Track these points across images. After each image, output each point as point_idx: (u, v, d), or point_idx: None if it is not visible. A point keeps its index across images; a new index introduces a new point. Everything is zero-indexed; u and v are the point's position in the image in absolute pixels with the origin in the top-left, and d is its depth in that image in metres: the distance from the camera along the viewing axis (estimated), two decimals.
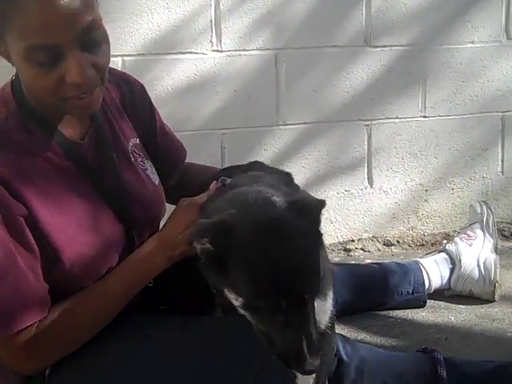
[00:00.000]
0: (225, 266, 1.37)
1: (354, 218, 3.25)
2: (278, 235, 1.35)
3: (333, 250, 3.23)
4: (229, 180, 1.78)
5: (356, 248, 3.25)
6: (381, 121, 3.19)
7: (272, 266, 1.30)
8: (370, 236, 3.28)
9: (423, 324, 2.50)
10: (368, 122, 3.17)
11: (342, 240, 3.24)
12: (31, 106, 1.66)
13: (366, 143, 3.19)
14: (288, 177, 1.97)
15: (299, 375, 1.53)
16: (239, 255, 1.34)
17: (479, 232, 2.73)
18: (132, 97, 2.01)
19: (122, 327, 1.78)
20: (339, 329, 2.41)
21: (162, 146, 2.10)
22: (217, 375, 1.69)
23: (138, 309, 1.89)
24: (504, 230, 3.34)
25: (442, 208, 3.32)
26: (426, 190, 3.29)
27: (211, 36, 2.94)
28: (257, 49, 3.00)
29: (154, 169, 1.98)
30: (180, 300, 1.97)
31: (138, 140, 1.96)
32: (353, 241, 3.26)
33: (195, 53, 2.94)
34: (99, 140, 1.81)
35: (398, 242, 3.30)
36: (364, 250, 3.26)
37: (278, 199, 1.48)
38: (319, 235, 1.45)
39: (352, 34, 3.08)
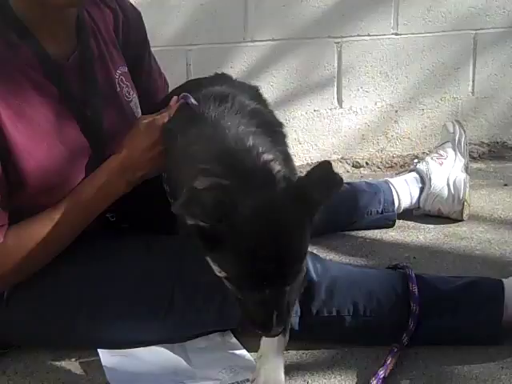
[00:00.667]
0: (215, 243, 1.34)
1: (322, 139, 3.19)
2: (268, 225, 1.32)
3: (301, 172, 3.15)
4: (192, 99, 1.69)
5: None
6: (351, 38, 3.09)
7: (264, 260, 1.30)
8: (339, 157, 3.23)
9: (392, 243, 2.49)
10: (338, 40, 3.08)
11: (310, 161, 3.19)
12: (12, 13, 1.59)
13: (335, 61, 3.10)
14: (256, 92, 1.89)
15: None
16: (235, 242, 1.32)
17: (450, 151, 2.70)
18: (126, 23, 1.91)
19: (83, 249, 1.75)
20: (309, 249, 2.38)
21: (142, 87, 2.00)
22: (179, 301, 1.71)
23: (100, 228, 1.84)
24: (472, 152, 3.31)
25: (412, 129, 3.28)
26: (396, 111, 3.24)
27: None
28: None
29: (138, 101, 1.90)
30: (142, 219, 1.92)
31: (126, 68, 1.88)
32: None
33: None
34: (85, 63, 1.72)
35: (366, 163, 3.26)
36: None
37: (276, 167, 1.42)
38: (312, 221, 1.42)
39: None
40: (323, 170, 1.40)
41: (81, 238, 1.74)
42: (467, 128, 3.26)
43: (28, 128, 1.60)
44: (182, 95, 1.74)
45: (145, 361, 1.70)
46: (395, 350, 1.72)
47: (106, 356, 1.70)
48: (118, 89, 1.83)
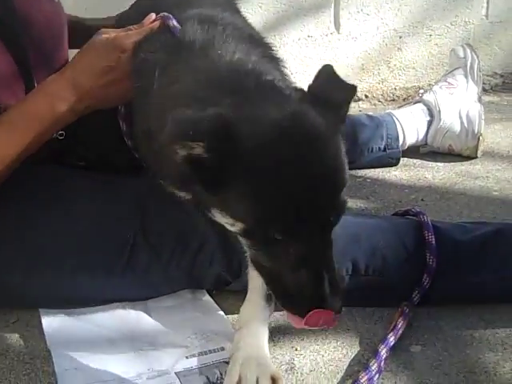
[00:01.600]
0: (221, 180, 1.01)
1: (317, 68, 2.82)
2: (298, 139, 1.01)
3: None
4: (174, 21, 1.36)
5: None
6: None
7: (292, 182, 0.98)
8: None
9: (396, 184, 2.18)
10: None
11: None
12: None
13: None
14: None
15: None
16: (246, 166, 0.99)
17: (461, 79, 2.36)
18: None
19: (25, 185, 1.49)
20: None
21: None
22: (140, 253, 1.44)
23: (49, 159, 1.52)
24: (484, 83, 2.96)
25: (417, 58, 2.94)
26: (400, 37, 2.88)
27: None
28: None
29: None
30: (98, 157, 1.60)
31: None
32: None
33: None
34: None
35: (366, 96, 2.95)
36: None
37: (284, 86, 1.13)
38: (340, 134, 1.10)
39: None
40: (329, 75, 1.14)
41: (27, 170, 1.44)
42: (479, 57, 2.94)
43: None
44: (161, 14, 1.41)
45: (95, 323, 1.42)
46: (406, 310, 1.41)
47: (47, 317, 1.44)
48: None
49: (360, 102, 2.92)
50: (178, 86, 1.19)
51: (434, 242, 1.47)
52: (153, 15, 1.44)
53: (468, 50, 2.41)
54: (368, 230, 1.53)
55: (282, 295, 1.09)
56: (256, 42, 1.36)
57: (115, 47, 1.39)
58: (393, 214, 1.71)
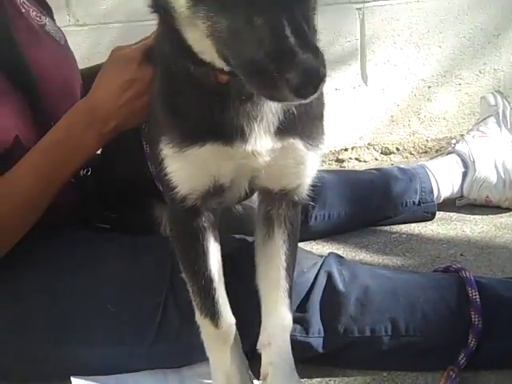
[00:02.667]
0: None
1: (346, 123, 2.82)
2: None
3: (323, 161, 2.80)
4: None
5: (350, 158, 2.85)
6: (375, 3, 2.73)
7: None
8: (366, 143, 2.86)
9: (433, 239, 2.10)
10: (360, 5, 2.72)
11: (333, 149, 2.84)
12: None
13: (358, 31, 2.74)
14: None
15: None
16: None
17: (494, 127, 2.30)
18: None
19: (48, 253, 1.45)
20: (333, 249, 2.06)
21: None
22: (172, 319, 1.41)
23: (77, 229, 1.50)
24: None
25: (448, 108, 2.88)
26: (429, 87, 2.84)
27: None
28: None
29: (56, 27, 1.62)
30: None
31: None
32: (346, 150, 2.86)
33: None
34: None
35: (397, 149, 2.89)
36: (359, 160, 2.86)
37: None
38: None
39: None
40: None
41: (51, 235, 1.43)
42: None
43: None
44: None
45: None
46: (453, 375, 1.32)
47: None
48: (23, 10, 1.53)
49: (392, 156, 2.86)
50: None
51: (478, 300, 1.40)
52: None
53: (499, 97, 2.35)
54: (406, 287, 1.46)
55: (246, 67, 0.97)
56: None
57: (128, 60, 1.38)
58: (433, 271, 1.64)
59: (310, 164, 1.27)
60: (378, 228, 2.16)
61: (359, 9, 2.70)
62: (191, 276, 1.30)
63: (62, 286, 1.41)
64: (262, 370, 1.30)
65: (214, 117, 1.18)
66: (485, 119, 2.34)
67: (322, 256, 1.52)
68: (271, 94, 0.97)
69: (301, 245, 1.96)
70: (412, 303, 1.40)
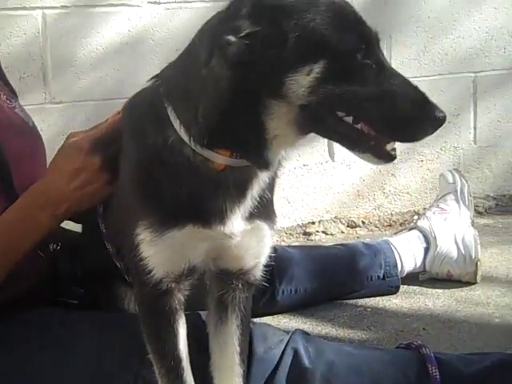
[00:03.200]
0: (279, 43, 1.12)
1: (313, 197, 2.90)
2: None
3: (291, 234, 2.89)
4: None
5: (317, 231, 2.92)
6: None
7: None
8: (332, 217, 2.94)
9: (397, 313, 2.17)
10: None
11: (300, 222, 2.90)
12: None
13: None
14: None
15: None
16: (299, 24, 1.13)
17: (453, 204, 2.40)
18: None
19: (18, 335, 1.48)
20: (300, 323, 2.11)
21: None
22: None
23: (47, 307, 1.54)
24: (478, 206, 3.03)
25: (411, 183, 3.00)
26: (393, 163, 2.94)
27: None
28: (200, 0, 2.62)
29: (24, 110, 1.68)
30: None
31: None
32: (313, 223, 2.92)
33: (129, 5, 2.55)
34: None
35: (363, 222, 2.97)
36: (326, 233, 2.92)
37: None
38: None
39: None
40: None
41: (20, 314, 1.46)
42: (470, 180, 3.00)
43: None
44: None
45: None
46: None
47: None
48: None
49: (357, 229, 2.95)
50: None
51: (438, 376, 1.46)
52: (117, 111, 1.48)
53: (457, 176, 2.47)
54: (370, 363, 1.52)
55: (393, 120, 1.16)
56: None
57: (76, 149, 1.44)
58: (396, 347, 1.70)
59: (268, 243, 1.37)
60: (344, 302, 2.22)
61: None
62: (160, 358, 1.34)
63: (33, 368, 1.43)
64: None
65: (197, 200, 1.25)
66: (444, 196, 2.45)
67: (288, 332, 1.57)
68: (417, 133, 1.19)
69: (268, 319, 2.06)
70: (375, 379, 1.46)
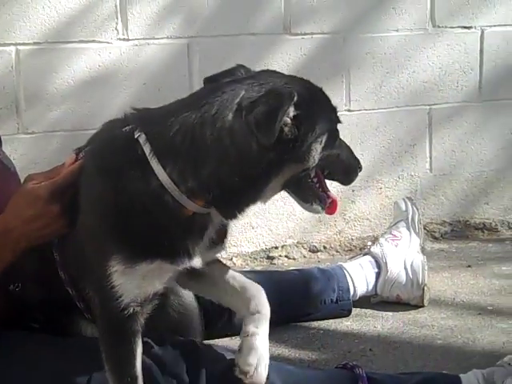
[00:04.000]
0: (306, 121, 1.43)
1: (276, 223, 3.03)
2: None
3: (255, 259, 3.01)
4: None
5: (280, 255, 3.03)
6: None
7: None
8: (295, 242, 3.06)
9: (347, 334, 2.30)
10: None
11: (264, 247, 3.02)
12: None
13: None
14: None
15: None
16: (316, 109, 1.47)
17: (405, 231, 2.54)
18: None
19: None
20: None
21: None
22: None
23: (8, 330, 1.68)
24: (434, 232, 3.18)
25: (370, 209, 3.13)
26: (353, 191, 3.09)
27: (116, 23, 2.69)
28: (167, 37, 2.77)
29: (7, 157, 1.81)
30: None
31: None
32: (276, 248, 3.04)
33: (99, 41, 2.68)
34: None
35: (324, 247, 3.09)
36: (288, 258, 3.04)
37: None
38: None
39: (270, 20, 2.87)
40: None
41: None
42: (427, 206, 3.17)
43: None
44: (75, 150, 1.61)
45: None
46: None
47: None
48: None
49: (319, 253, 3.07)
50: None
51: None
52: (73, 155, 1.59)
53: (409, 204, 2.61)
54: (308, 381, 1.66)
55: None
56: None
57: (36, 197, 1.54)
58: (335, 367, 1.82)
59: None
60: (298, 324, 2.34)
61: None
62: (118, 375, 1.48)
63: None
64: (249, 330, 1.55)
65: (166, 240, 1.43)
66: (396, 223, 2.59)
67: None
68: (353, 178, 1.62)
69: (225, 340, 2.17)
70: None
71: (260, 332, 1.56)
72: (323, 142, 1.46)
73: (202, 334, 1.90)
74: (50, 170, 1.62)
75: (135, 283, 1.44)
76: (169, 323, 1.77)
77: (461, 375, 1.68)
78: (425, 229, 3.15)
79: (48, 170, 1.62)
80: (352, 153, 1.60)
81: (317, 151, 1.45)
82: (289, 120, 1.39)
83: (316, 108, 1.47)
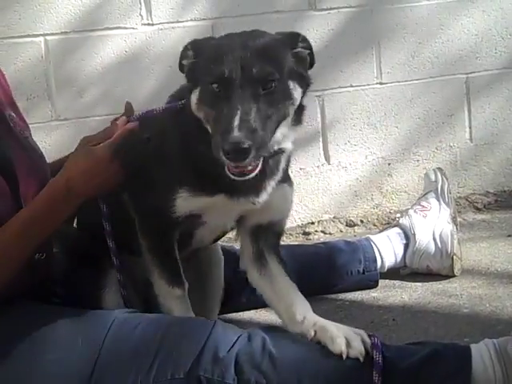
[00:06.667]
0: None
1: (312, 199, 3.02)
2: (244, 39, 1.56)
3: (291, 234, 3.00)
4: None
5: (316, 231, 3.03)
6: (333, 90, 2.96)
7: (231, 59, 1.51)
8: (331, 217, 3.05)
9: (372, 305, 2.28)
10: (319, 93, 2.94)
11: (300, 223, 3.02)
12: None
13: (319, 116, 2.97)
14: None
15: None
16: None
17: (434, 201, 2.49)
18: None
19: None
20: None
21: None
22: None
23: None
24: (476, 202, 3.09)
25: (408, 182, 3.08)
26: (389, 164, 3.05)
27: (140, 8, 2.75)
28: (191, 19, 2.80)
29: (33, 141, 1.88)
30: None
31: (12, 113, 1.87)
32: (312, 223, 3.03)
33: (124, 28, 2.74)
34: None
35: (361, 221, 3.07)
36: (325, 233, 3.03)
37: None
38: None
39: None
40: None
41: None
42: (469, 177, 3.10)
43: None
44: (137, 115, 1.73)
45: None
46: None
47: None
48: (12, 124, 1.80)
49: (356, 228, 3.05)
50: None
51: (380, 361, 1.56)
52: (124, 118, 1.72)
53: (439, 174, 2.55)
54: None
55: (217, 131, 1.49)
56: None
57: (98, 157, 1.65)
58: None
59: (289, 199, 1.83)
60: (324, 296, 2.32)
61: (319, 96, 2.94)
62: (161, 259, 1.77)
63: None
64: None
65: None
66: (426, 194, 2.54)
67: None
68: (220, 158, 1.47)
69: (251, 312, 2.20)
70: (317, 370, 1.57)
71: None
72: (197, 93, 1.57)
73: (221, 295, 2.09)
74: (103, 130, 1.73)
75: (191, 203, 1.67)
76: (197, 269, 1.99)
77: (472, 345, 1.61)
78: (466, 200, 3.10)
79: (101, 131, 1.73)
80: (228, 123, 1.45)
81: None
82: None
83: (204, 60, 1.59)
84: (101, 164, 1.66)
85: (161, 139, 1.73)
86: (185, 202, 1.67)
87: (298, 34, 1.67)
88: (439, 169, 2.62)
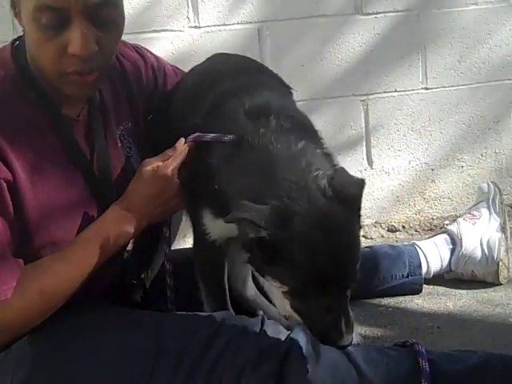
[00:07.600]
0: (276, 254, 1.37)
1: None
2: (331, 230, 1.38)
3: None
4: (209, 135, 1.65)
5: None
6: (378, 95, 2.94)
7: (326, 261, 1.36)
8: (373, 222, 3.03)
9: (416, 312, 2.26)
10: (364, 97, 2.93)
11: None
12: (32, 74, 1.61)
13: (363, 120, 2.95)
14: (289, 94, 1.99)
15: None
16: (297, 248, 1.36)
17: (484, 211, 2.48)
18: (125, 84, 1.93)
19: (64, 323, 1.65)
20: None
21: None
22: None
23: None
24: None
25: (452, 188, 3.05)
26: (433, 170, 3.03)
27: (187, 11, 2.76)
28: (238, 23, 2.81)
29: (138, 157, 1.87)
30: None
31: (129, 124, 1.88)
32: None
33: (171, 30, 2.76)
34: (92, 120, 1.75)
35: (403, 227, 3.04)
36: (366, 238, 3.01)
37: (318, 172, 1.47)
38: (359, 220, 1.51)
39: (341, 1, 2.84)
40: (342, 175, 1.53)
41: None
42: None
43: (40, 184, 1.60)
44: (191, 137, 1.70)
45: None
46: None
47: None
48: (119, 144, 1.83)
49: (397, 233, 3.03)
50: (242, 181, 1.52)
51: (427, 369, 1.55)
52: (182, 139, 1.71)
53: (491, 186, 2.55)
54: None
55: (314, 332, 1.45)
56: (308, 132, 1.71)
57: (159, 178, 1.67)
58: (394, 344, 1.77)
59: None
60: (367, 301, 2.31)
61: (363, 100, 2.93)
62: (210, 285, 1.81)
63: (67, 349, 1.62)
64: None
65: None
66: (477, 204, 2.54)
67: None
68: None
69: None
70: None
71: None
72: (288, 289, 1.44)
73: None
74: (162, 154, 1.72)
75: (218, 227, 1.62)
76: None
77: None
78: None
79: (160, 155, 1.72)
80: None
81: None
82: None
83: None
84: (162, 183, 1.68)
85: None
86: (211, 221, 1.66)
87: None
88: (493, 182, 2.60)
